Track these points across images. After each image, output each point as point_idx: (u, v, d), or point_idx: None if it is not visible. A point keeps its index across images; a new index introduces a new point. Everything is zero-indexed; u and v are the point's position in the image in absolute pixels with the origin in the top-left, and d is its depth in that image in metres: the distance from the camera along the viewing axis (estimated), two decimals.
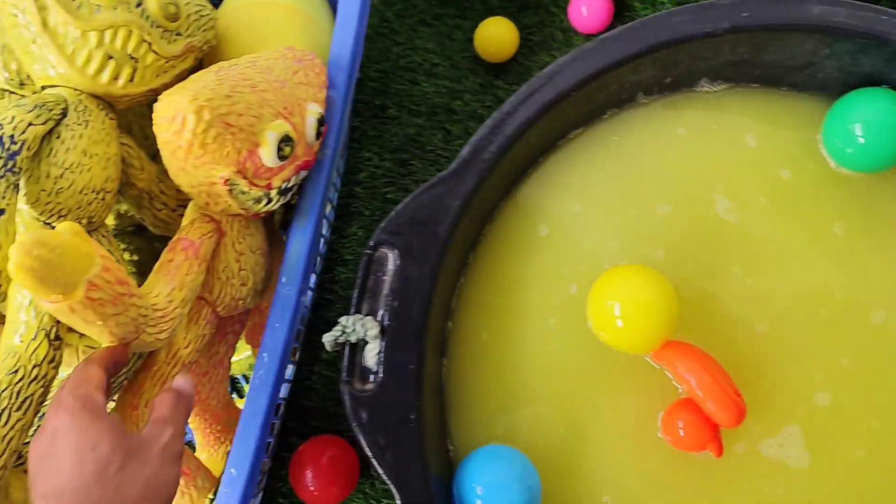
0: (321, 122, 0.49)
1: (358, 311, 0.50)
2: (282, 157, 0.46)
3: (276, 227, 0.61)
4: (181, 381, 0.43)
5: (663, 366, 0.52)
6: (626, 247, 0.56)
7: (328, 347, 0.49)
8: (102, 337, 0.41)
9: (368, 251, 0.50)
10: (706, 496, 0.52)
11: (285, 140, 0.46)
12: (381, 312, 0.49)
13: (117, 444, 0.37)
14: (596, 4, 0.67)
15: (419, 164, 0.67)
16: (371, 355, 0.49)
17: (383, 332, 0.49)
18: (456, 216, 0.50)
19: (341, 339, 0.49)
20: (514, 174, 0.57)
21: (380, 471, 0.47)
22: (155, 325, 0.44)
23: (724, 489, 0.52)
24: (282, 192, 0.48)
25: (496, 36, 0.68)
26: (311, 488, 0.59)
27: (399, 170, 0.68)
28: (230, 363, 0.60)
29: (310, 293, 0.61)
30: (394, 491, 0.47)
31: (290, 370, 0.62)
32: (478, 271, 0.57)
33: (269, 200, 0.47)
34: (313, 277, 0.62)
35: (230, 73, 0.45)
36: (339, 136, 0.53)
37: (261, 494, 0.61)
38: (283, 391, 0.62)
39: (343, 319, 0.49)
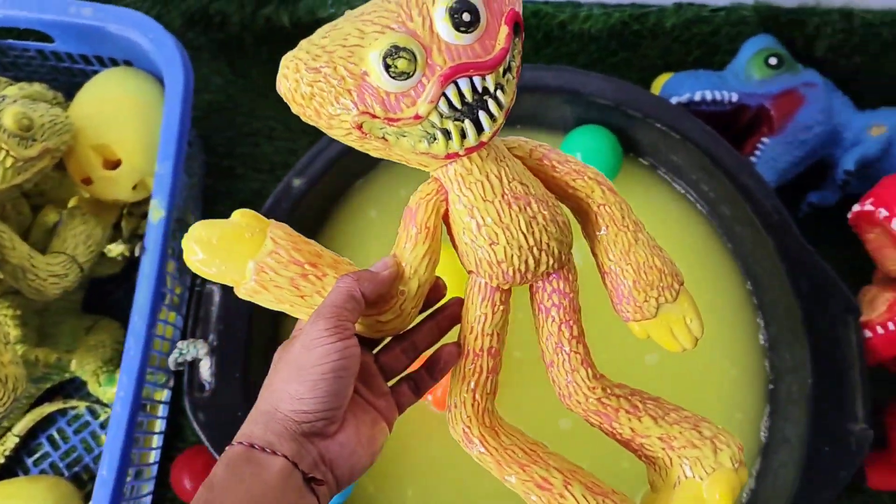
0: (468, 7, 0.38)
1: (193, 336, 0.64)
2: (397, 75, 0.38)
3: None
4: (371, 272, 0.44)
5: None
6: None
7: (171, 367, 0.63)
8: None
9: (198, 288, 0.64)
10: None
11: (392, 54, 0.38)
12: (210, 336, 0.64)
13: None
14: None
15: None
16: (205, 370, 0.63)
17: (213, 350, 0.63)
18: None
19: (180, 360, 0.63)
20: (319, 214, 0.71)
21: (217, 457, 0.61)
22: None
23: None
24: (457, 112, 0.39)
25: None
26: (189, 489, 0.72)
27: None
28: None
29: (174, 328, 0.75)
30: None
31: (166, 394, 0.76)
32: None
33: (446, 133, 0.39)
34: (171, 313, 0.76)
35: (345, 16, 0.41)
36: (174, 195, 0.67)
37: (149, 498, 0.74)
38: (163, 411, 0.76)
39: (180, 343, 0.63)
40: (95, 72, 0.75)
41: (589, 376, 0.47)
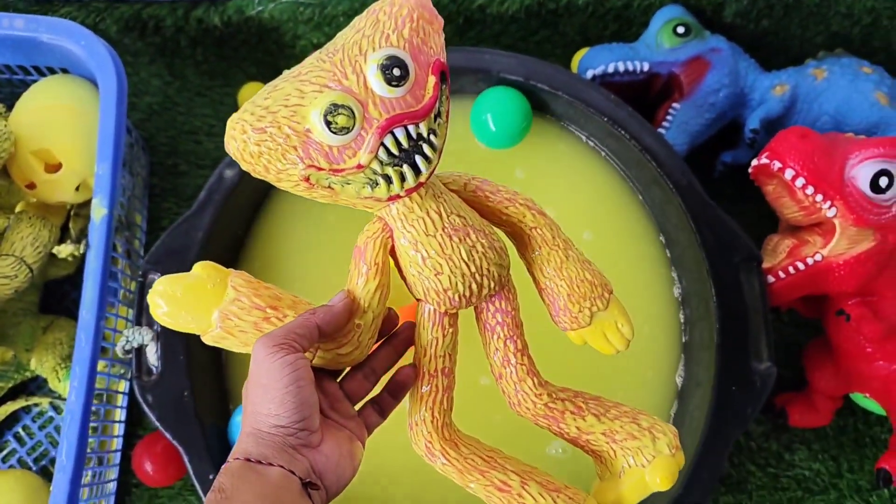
0: (397, 63, 0.41)
1: (138, 324, 0.67)
2: (337, 130, 0.40)
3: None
4: (329, 308, 0.47)
5: None
6: None
7: (119, 354, 0.67)
8: None
9: (140, 278, 0.68)
10: None
11: (331, 111, 0.40)
12: (155, 324, 0.67)
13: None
14: None
15: None
16: (151, 354, 0.66)
17: (158, 337, 0.66)
18: (201, 244, 0.68)
19: (127, 346, 0.66)
20: (252, 203, 0.75)
21: (167, 436, 0.65)
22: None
23: None
24: (395, 159, 0.42)
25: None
26: (150, 472, 0.76)
27: None
28: None
29: (128, 321, 0.78)
30: (180, 449, 0.65)
31: (125, 385, 0.79)
32: None
33: (387, 178, 0.42)
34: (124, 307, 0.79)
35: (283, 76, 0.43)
36: (115, 194, 0.70)
37: (114, 484, 0.78)
38: (123, 402, 0.79)
39: (125, 331, 0.66)
40: (34, 81, 0.78)
41: (535, 384, 0.51)
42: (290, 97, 0.41)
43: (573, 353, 0.57)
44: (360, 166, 0.41)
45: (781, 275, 0.68)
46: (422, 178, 0.43)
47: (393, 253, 0.48)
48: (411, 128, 0.41)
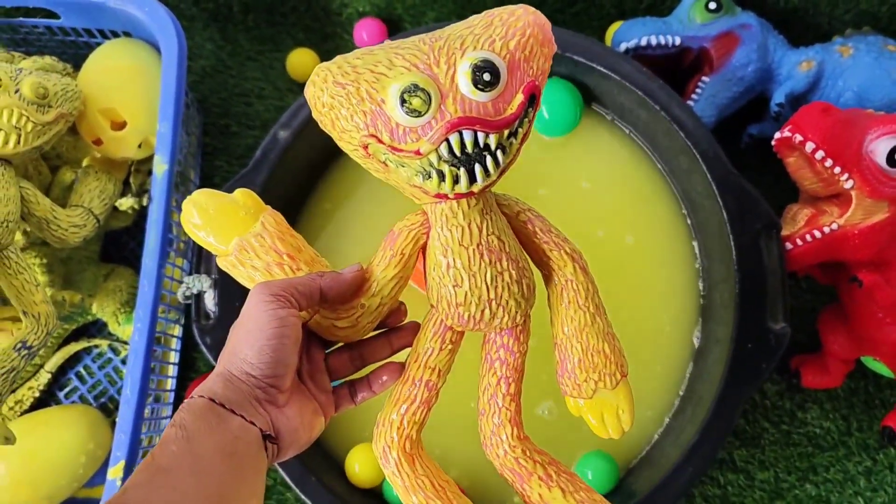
0: (490, 69, 0.40)
1: (197, 272, 0.73)
2: (409, 111, 0.40)
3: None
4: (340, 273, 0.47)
5: None
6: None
7: (180, 299, 0.73)
8: None
9: None
10: None
11: (410, 90, 0.40)
12: (213, 270, 0.73)
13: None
14: (372, 29, 0.91)
15: None
16: (209, 300, 0.72)
17: (215, 284, 0.72)
18: None
19: (187, 293, 0.72)
20: (306, 164, 0.80)
21: None
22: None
23: None
24: (455, 159, 0.41)
25: (303, 63, 0.91)
26: None
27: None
28: None
29: (182, 271, 0.84)
30: None
31: (179, 330, 0.85)
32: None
33: (441, 174, 0.41)
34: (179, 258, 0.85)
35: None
36: (175, 151, 0.75)
37: (168, 420, 0.84)
38: (177, 345, 0.86)
39: (187, 278, 0.72)
40: (98, 44, 0.83)
41: (512, 435, 0.49)
42: (379, 65, 0.41)
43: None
44: (418, 152, 0.40)
45: (799, 242, 0.71)
46: (474, 188, 0.41)
47: (424, 250, 0.48)
48: (481, 135, 0.40)
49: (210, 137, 0.92)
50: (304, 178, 0.81)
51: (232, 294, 0.72)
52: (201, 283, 0.71)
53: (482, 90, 0.40)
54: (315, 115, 0.44)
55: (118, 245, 0.90)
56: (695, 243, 0.78)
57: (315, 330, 0.49)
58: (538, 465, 0.49)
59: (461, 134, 0.40)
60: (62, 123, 0.73)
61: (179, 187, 0.81)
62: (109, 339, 0.89)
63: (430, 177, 0.41)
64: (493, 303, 0.46)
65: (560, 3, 0.91)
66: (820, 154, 0.67)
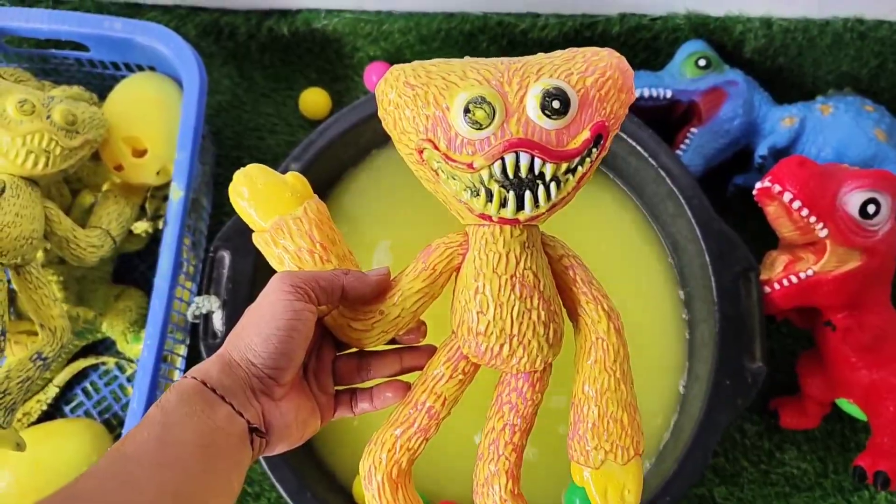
0: (561, 98, 0.39)
1: (207, 293, 0.77)
2: (471, 122, 0.39)
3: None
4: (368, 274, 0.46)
5: None
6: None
7: (190, 318, 0.76)
8: None
9: (211, 253, 0.77)
10: None
11: (476, 102, 0.39)
12: (222, 292, 0.77)
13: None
14: (381, 72, 0.96)
15: None
16: (217, 320, 0.76)
17: (224, 304, 0.76)
18: None
19: (197, 312, 0.76)
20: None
21: None
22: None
23: None
24: (507, 181, 0.40)
25: (314, 101, 0.96)
26: None
27: None
28: None
29: (190, 293, 0.88)
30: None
31: (184, 349, 0.89)
32: None
33: (489, 193, 0.40)
34: (188, 281, 0.89)
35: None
36: (191, 179, 0.80)
37: None
38: (181, 364, 0.89)
39: (197, 298, 0.76)
40: (124, 76, 0.88)
41: (505, 488, 0.46)
42: (452, 74, 0.41)
43: None
44: (471, 166, 0.40)
45: (777, 286, 0.76)
46: (520, 216, 0.41)
47: (457, 272, 0.46)
48: (538, 162, 0.39)
49: (223, 168, 0.97)
50: None
51: (239, 315, 0.75)
52: (211, 304, 0.75)
53: (549, 117, 0.40)
54: (380, 111, 0.44)
55: (129, 267, 0.94)
56: (681, 292, 0.81)
57: (329, 326, 0.48)
58: None
59: (518, 156, 0.39)
60: (88, 149, 0.77)
61: (191, 214, 0.85)
62: (117, 356, 0.92)
63: (477, 194, 0.40)
64: (515, 339, 0.44)
65: None
66: (797, 204, 0.71)
